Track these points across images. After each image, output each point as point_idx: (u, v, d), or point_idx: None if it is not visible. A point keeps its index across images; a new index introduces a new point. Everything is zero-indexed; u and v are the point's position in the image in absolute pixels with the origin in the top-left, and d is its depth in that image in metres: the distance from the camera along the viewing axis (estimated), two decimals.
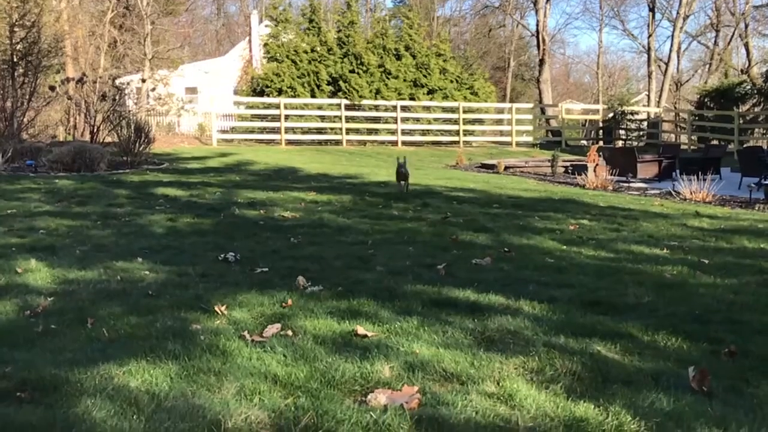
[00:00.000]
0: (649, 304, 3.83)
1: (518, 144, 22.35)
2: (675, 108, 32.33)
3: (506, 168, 15.62)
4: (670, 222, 7.99)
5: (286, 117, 20.32)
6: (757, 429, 2.18)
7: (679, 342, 3.15)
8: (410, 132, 21.68)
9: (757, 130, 22.31)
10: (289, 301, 3.67)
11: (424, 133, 21.97)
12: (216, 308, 3.56)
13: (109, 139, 15.73)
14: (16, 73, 15.86)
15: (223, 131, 20.83)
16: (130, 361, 2.64)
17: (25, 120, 15.42)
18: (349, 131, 20.95)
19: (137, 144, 13.78)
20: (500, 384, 2.50)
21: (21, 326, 3.16)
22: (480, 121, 23.43)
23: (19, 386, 2.36)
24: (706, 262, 5.40)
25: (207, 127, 20.64)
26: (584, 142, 23.83)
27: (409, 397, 2.39)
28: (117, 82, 18.40)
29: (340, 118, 20.76)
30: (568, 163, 15.38)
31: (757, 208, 10.19)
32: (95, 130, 15.52)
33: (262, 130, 20.57)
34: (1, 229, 6.30)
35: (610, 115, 23.58)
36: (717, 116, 21.80)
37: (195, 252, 5.30)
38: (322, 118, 21.19)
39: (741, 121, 19.76)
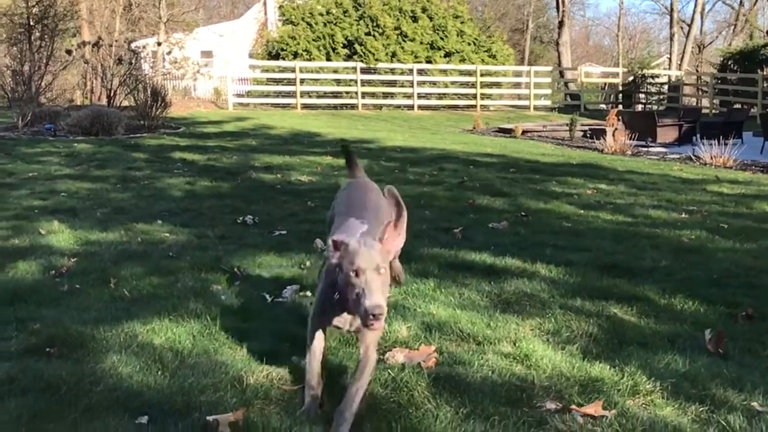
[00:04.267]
0: (666, 268, 3.83)
1: (536, 108, 22.08)
2: (697, 71, 31.64)
3: (524, 132, 15.47)
4: (689, 187, 7.91)
5: (302, 81, 20.21)
6: None
7: (695, 305, 3.16)
8: (427, 96, 21.47)
9: None
10: (307, 264, 3.71)
11: (440, 96, 21.75)
12: (236, 270, 3.61)
13: (125, 103, 15.76)
14: (32, 37, 15.88)
15: (239, 95, 20.77)
16: (153, 320, 2.71)
17: (42, 84, 15.48)
18: (364, 95, 20.80)
19: (154, 108, 13.81)
20: (516, 344, 2.53)
21: (47, 285, 3.24)
22: (498, 85, 23.14)
23: (47, 342, 2.43)
24: (725, 226, 5.36)
25: (223, 91, 20.60)
26: (603, 106, 23.48)
27: (427, 356, 2.43)
28: (132, 45, 18.37)
29: (356, 82, 20.60)
30: (586, 128, 15.19)
31: None
32: (112, 94, 15.55)
33: (278, 94, 20.50)
34: (23, 191, 6.39)
35: (630, 78, 23.16)
36: (740, 79, 21.34)
37: (213, 215, 5.35)
38: (338, 81, 21.04)
39: (765, 84, 19.31)
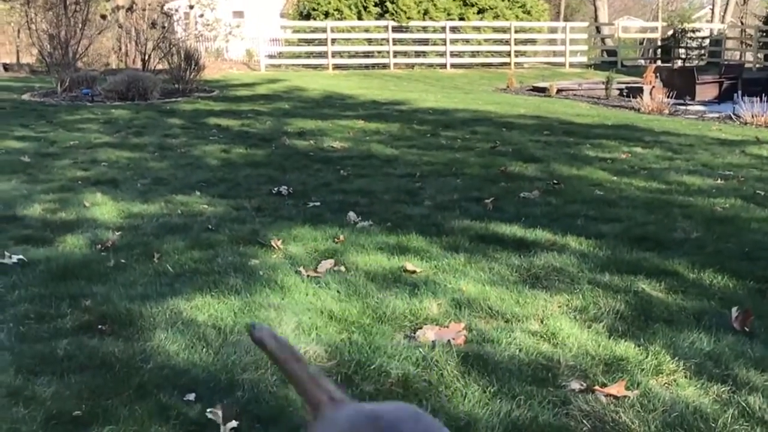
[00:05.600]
0: (698, 240, 3.84)
1: (572, 65, 21.60)
2: (741, 23, 30.42)
3: (558, 91, 15.23)
4: (727, 149, 7.77)
5: (333, 41, 20.07)
6: None
7: (725, 280, 3.18)
8: (459, 54, 21.15)
9: None
10: (341, 237, 3.82)
11: (473, 54, 21.41)
12: (272, 243, 3.74)
13: (160, 66, 15.92)
14: (67, 2, 16.05)
15: (271, 56, 20.76)
16: (196, 296, 2.85)
17: (79, 49, 15.70)
18: (396, 54, 20.59)
19: (188, 72, 13.95)
20: (544, 322, 2.62)
21: (95, 260, 3.41)
22: (532, 41, 22.64)
23: (99, 320, 2.59)
24: (762, 193, 5.30)
25: (255, 52, 20.60)
26: (641, 62, 22.86)
27: (456, 334, 2.53)
28: (165, 8, 18.42)
29: (387, 41, 20.38)
30: (623, 86, 14.88)
31: None
32: (146, 58, 15.71)
33: (309, 55, 20.43)
34: (67, 161, 6.61)
35: (670, 32, 22.43)
36: None
37: (249, 185, 5.48)
38: (369, 41, 20.85)
39: None
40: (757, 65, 19.68)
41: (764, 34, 21.18)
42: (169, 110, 11.11)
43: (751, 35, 21.98)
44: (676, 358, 2.32)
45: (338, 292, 2.93)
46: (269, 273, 3.18)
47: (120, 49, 18.92)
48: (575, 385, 2.13)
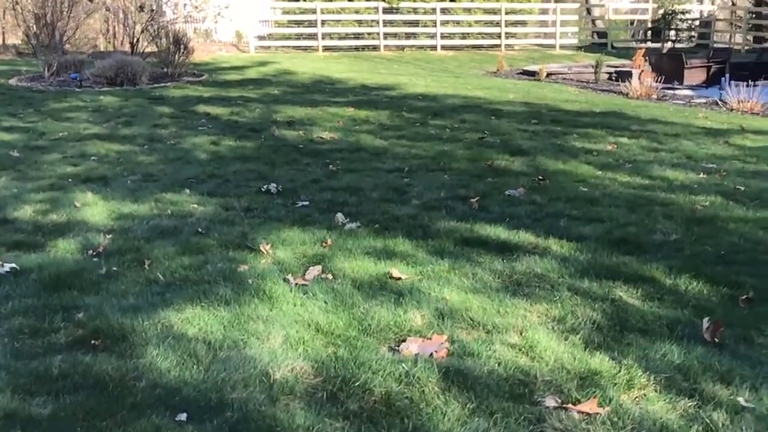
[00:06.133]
0: (676, 243, 3.94)
1: (562, 47, 21.57)
2: (733, 4, 30.38)
3: (548, 75, 15.25)
4: (711, 139, 7.87)
5: (323, 22, 19.95)
6: (760, 384, 2.35)
7: (700, 286, 3.29)
8: (450, 36, 21.07)
9: None
10: (329, 241, 3.89)
11: (464, 36, 21.33)
12: (261, 247, 3.81)
13: (149, 50, 15.80)
14: None
15: (261, 38, 20.61)
16: (186, 308, 2.93)
17: (66, 31, 15.55)
18: (386, 36, 20.50)
19: (177, 55, 13.86)
20: (523, 334, 2.71)
21: (87, 268, 3.48)
22: (522, 23, 22.58)
23: (92, 334, 2.67)
24: (742, 188, 5.41)
25: (244, 34, 20.45)
26: (632, 44, 22.84)
27: (439, 346, 2.62)
28: None
29: (378, 23, 20.26)
30: (612, 69, 14.93)
31: None
32: (135, 41, 15.59)
33: (299, 37, 20.30)
34: (55, 155, 6.63)
35: (660, 13, 22.42)
36: None
37: (238, 182, 5.54)
38: (359, 22, 20.72)
39: None
40: (746, 47, 19.74)
41: (754, 15, 21.20)
42: (158, 97, 11.08)
43: (741, 17, 22.00)
44: (648, 372, 2.42)
45: (325, 302, 3.01)
46: (258, 281, 3.26)
47: (108, 31, 18.73)
48: (550, 401, 2.23)
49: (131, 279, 3.35)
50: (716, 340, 2.69)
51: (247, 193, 5.18)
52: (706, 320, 2.80)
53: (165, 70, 13.75)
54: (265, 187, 5.30)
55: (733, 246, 3.87)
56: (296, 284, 3.26)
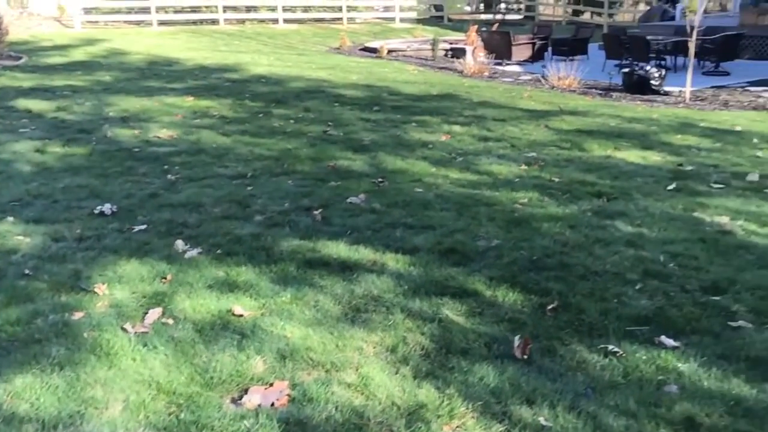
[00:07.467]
0: (497, 249, 4.34)
1: (402, 20, 22.09)
2: None
3: (389, 52, 15.61)
4: (533, 124, 8.57)
5: None
6: (558, 401, 2.74)
7: (515, 296, 3.68)
8: (292, 9, 20.80)
9: (625, 3, 23.20)
10: (169, 276, 3.87)
11: (306, 9, 21.16)
12: (97, 288, 3.71)
13: None
14: None
15: (87, 11, 19.10)
16: (15, 378, 2.82)
17: None
18: (226, 9, 19.83)
19: None
20: (359, 370, 2.92)
21: None
22: None
23: None
24: (556, 180, 6.00)
25: (67, 6, 18.84)
26: (467, 9, 23.84)
27: (280, 393, 2.76)
28: None
29: None
30: (449, 45, 15.57)
31: (614, 97, 11.00)
32: None
33: (131, 10, 19.07)
34: None
35: None
36: None
37: (69, 203, 5.25)
38: None
39: None
40: (566, 20, 21.36)
41: None
42: None
43: None
44: (467, 400, 2.73)
45: (166, 355, 3.03)
46: (95, 334, 3.19)
47: None
48: None
49: None
50: (525, 356, 3.06)
51: (78, 217, 4.94)
52: (517, 338, 3.17)
53: None
54: (98, 208, 5.08)
55: (544, 250, 4.33)
56: (135, 333, 3.23)
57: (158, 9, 18.95)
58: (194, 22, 19.67)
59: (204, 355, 3.04)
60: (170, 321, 3.36)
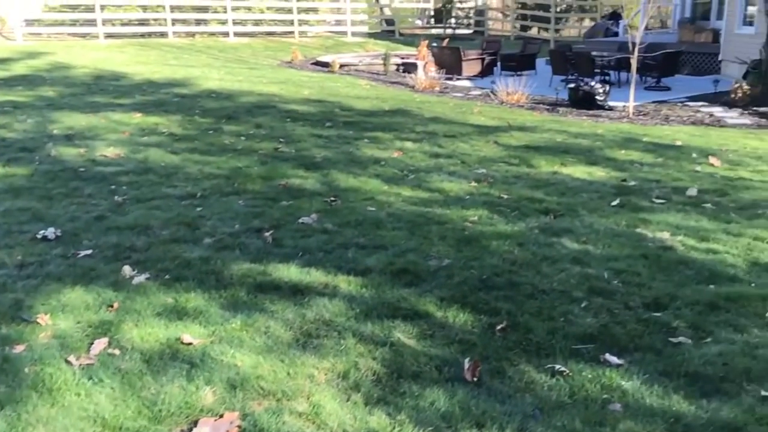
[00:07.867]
0: (448, 269, 4.39)
1: (354, 34, 22.19)
2: None
3: (341, 66, 15.66)
4: (483, 140, 8.72)
5: (103, 7, 18.49)
6: (507, 423, 2.79)
7: (465, 317, 3.73)
8: (242, 22, 20.68)
9: (571, 19, 23.88)
10: (115, 304, 3.79)
11: (257, 23, 21.06)
12: (39, 318, 3.61)
13: None
14: None
15: (29, 22, 18.59)
16: None
17: None
18: (175, 22, 19.56)
19: None
20: (310, 399, 2.91)
21: None
22: (315, 10, 22.80)
23: None
24: (505, 197, 6.11)
25: (6, 19, 18.29)
26: (418, 23, 24.13)
27: (230, 424, 2.73)
28: None
29: (165, 8, 19.24)
30: (400, 61, 15.72)
31: (560, 113, 11.28)
32: None
33: (75, 23, 18.64)
34: None
35: (441, 4, 23.99)
36: (536, 5, 23.01)
37: (10, 227, 5.09)
38: (144, 8, 19.51)
39: (557, 10, 21.03)
40: (514, 36, 21.85)
41: (520, 5, 23.49)
42: None
43: (509, 6, 24.30)
44: (418, 426, 2.75)
45: (112, 388, 2.96)
46: (37, 369, 3.10)
47: None
48: None
49: None
50: (475, 379, 3.10)
51: (20, 242, 4.79)
52: (467, 360, 3.21)
53: None
54: (41, 232, 4.94)
55: (494, 268, 4.41)
56: (80, 365, 3.15)
57: (105, 21, 18.56)
58: (142, 35, 19.34)
59: (152, 387, 2.98)
60: (117, 351, 3.29)
